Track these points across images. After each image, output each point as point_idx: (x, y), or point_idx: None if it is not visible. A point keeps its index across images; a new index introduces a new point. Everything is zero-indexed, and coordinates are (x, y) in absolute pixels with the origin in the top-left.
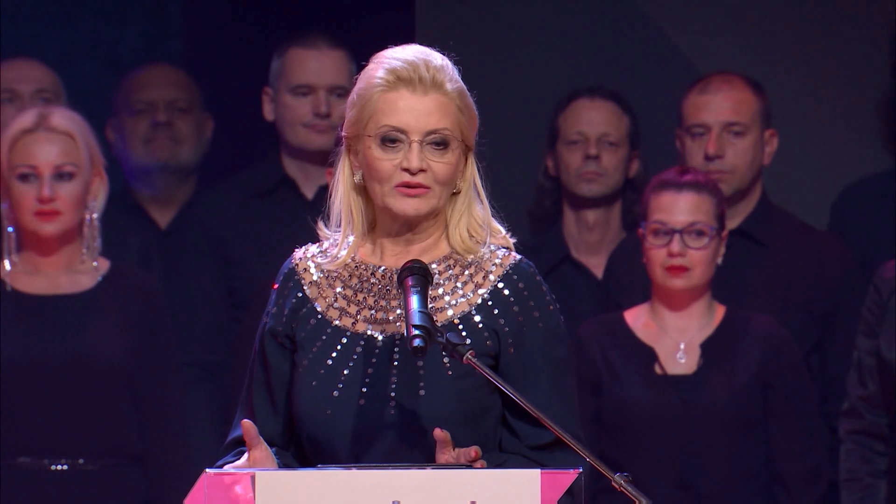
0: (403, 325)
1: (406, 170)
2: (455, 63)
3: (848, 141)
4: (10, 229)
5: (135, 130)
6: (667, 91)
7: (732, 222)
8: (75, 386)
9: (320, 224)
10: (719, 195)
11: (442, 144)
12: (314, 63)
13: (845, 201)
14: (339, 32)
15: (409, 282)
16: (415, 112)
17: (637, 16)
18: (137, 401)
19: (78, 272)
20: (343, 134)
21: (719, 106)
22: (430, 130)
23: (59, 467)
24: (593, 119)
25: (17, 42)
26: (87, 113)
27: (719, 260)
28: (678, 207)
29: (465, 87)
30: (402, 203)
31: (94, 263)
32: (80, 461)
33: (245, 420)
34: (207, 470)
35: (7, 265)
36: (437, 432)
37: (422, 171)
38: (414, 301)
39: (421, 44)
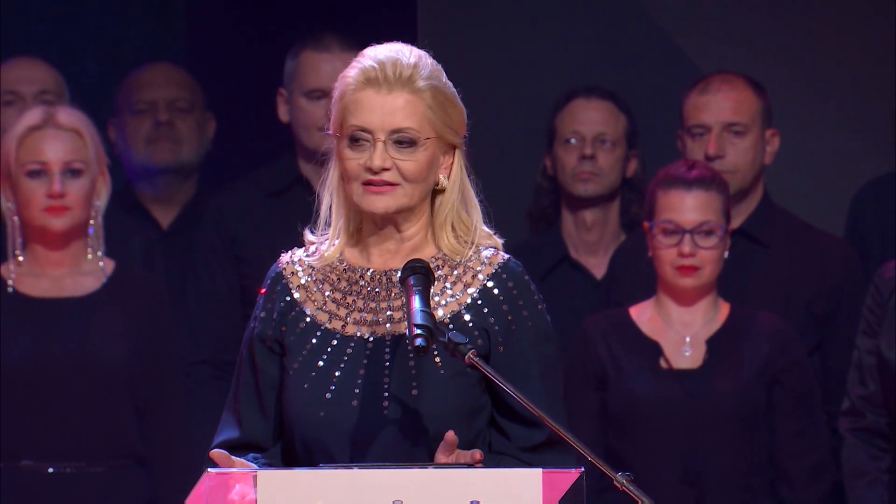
0: (394, 325)
1: (369, 168)
2: (455, 62)
3: (853, 141)
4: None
5: (137, 131)
6: (670, 91)
7: (734, 222)
8: (79, 389)
9: (306, 231)
10: (726, 191)
11: (407, 143)
12: (327, 66)
13: (863, 198)
14: (342, 31)
15: (411, 281)
16: (379, 111)
17: (640, 16)
18: (141, 403)
19: (82, 273)
20: (330, 132)
21: (719, 106)
22: (394, 129)
23: (63, 470)
24: (589, 119)
25: (19, 40)
26: (89, 112)
27: (726, 255)
28: (687, 206)
29: (444, 84)
30: (370, 201)
31: (101, 264)
32: (83, 464)
33: (214, 452)
34: (209, 470)
35: (11, 267)
36: (449, 434)
37: (385, 169)
38: (416, 300)
39: (422, 42)
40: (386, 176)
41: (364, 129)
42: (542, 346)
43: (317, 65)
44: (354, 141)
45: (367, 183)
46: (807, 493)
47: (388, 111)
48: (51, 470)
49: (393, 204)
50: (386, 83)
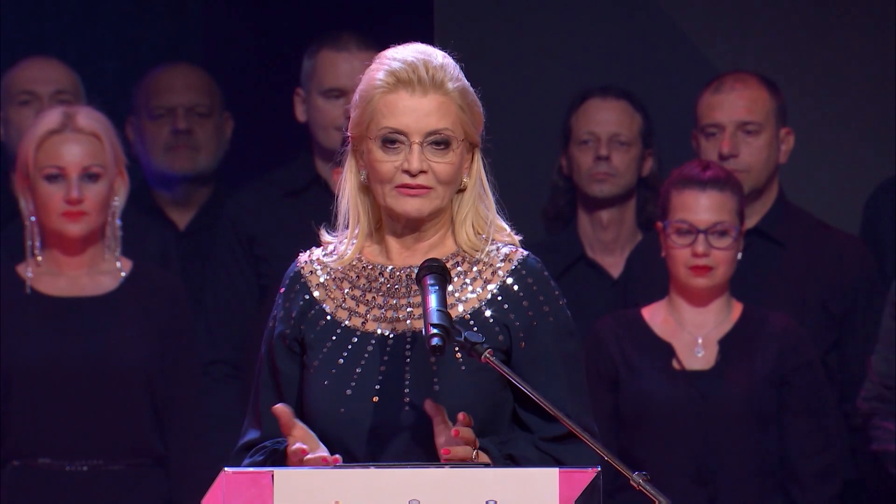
0: (414, 322)
1: (406, 171)
2: (473, 62)
3: (869, 140)
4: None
5: (156, 137)
6: (686, 90)
7: (749, 221)
8: (97, 387)
9: (322, 230)
10: (740, 191)
11: (443, 144)
12: (346, 66)
13: (879, 197)
14: (358, 31)
15: (428, 280)
16: (415, 113)
17: (656, 15)
18: (159, 402)
19: (100, 273)
20: (348, 134)
21: (733, 105)
22: (430, 131)
23: (80, 468)
24: (604, 119)
25: (36, 40)
26: (107, 112)
27: (739, 255)
28: (701, 206)
29: (467, 84)
30: (403, 203)
31: (118, 264)
32: (101, 462)
33: (277, 406)
34: (226, 469)
35: (29, 272)
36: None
37: (422, 172)
38: (432, 300)
39: (439, 42)
40: (421, 179)
41: (399, 131)
42: (565, 341)
43: (335, 64)
44: (388, 143)
45: (403, 186)
46: (817, 494)
47: (424, 113)
48: (68, 468)
49: (426, 207)
50: (420, 85)
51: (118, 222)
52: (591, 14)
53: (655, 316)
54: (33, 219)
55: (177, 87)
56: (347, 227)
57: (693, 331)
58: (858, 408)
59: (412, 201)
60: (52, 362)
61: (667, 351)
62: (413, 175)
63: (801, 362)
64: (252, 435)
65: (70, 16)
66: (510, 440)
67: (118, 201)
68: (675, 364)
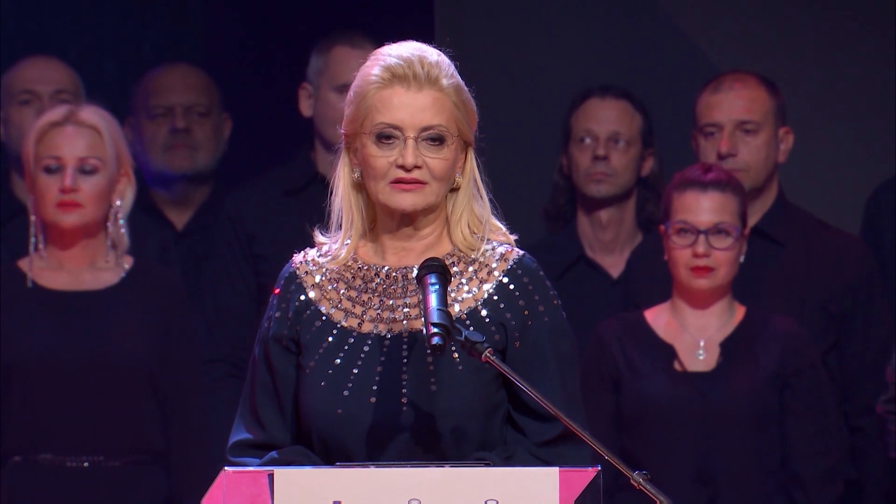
0: (411, 322)
1: (401, 166)
2: (473, 61)
3: (869, 140)
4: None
5: (154, 137)
6: (686, 90)
7: (749, 221)
8: (97, 383)
9: (315, 231)
10: (742, 193)
11: (437, 140)
12: (359, 63)
13: (879, 197)
14: (358, 30)
15: (429, 279)
16: (410, 108)
17: (657, 14)
18: (159, 398)
19: (101, 269)
20: (342, 131)
21: (731, 104)
22: (425, 126)
23: (81, 464)
24: (603, 118)
25: (37, 40)
26: (107, 111)
27: (742, 258)
28: (702, 207)
29: (461, 82)
30: (397, 198)
31: (118, 260)
32: (101, 458)
33: None
34: (226, 468)
35: (31, 262)
36: None
37: (417, 167)
38: (433, 299)
39: (439, 42)
40: (416, 174)
41: (394, 126)
42: (559, 340)
43: (349, 61)
44: (383, 138)
45: (397, 181)
46: (820, 496)
47: (419, 109)
48: (68, 464)
49: (421, 202)
50: (416, 80)
51: (122, 222)
52: (591, 14)
53: (658, 318)
54: (34, 218)
55: (175, 86)
56: (341, 227)
57: (695, 333)
58: (877, 412)
59: (406, 196)
60: (52, 357)
61: (668, 352)
62: (408, 170)
63: (803, 365)
64: (248, 434)
65: (70, 16)
66: (512, 454)
67: (122, 201)
68: (676, 365)
